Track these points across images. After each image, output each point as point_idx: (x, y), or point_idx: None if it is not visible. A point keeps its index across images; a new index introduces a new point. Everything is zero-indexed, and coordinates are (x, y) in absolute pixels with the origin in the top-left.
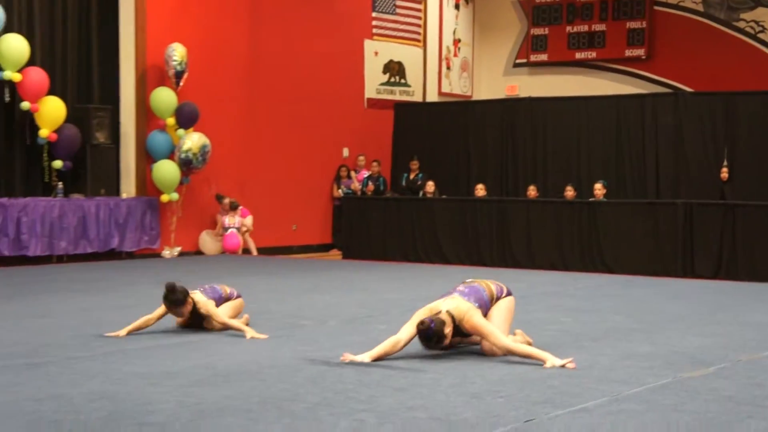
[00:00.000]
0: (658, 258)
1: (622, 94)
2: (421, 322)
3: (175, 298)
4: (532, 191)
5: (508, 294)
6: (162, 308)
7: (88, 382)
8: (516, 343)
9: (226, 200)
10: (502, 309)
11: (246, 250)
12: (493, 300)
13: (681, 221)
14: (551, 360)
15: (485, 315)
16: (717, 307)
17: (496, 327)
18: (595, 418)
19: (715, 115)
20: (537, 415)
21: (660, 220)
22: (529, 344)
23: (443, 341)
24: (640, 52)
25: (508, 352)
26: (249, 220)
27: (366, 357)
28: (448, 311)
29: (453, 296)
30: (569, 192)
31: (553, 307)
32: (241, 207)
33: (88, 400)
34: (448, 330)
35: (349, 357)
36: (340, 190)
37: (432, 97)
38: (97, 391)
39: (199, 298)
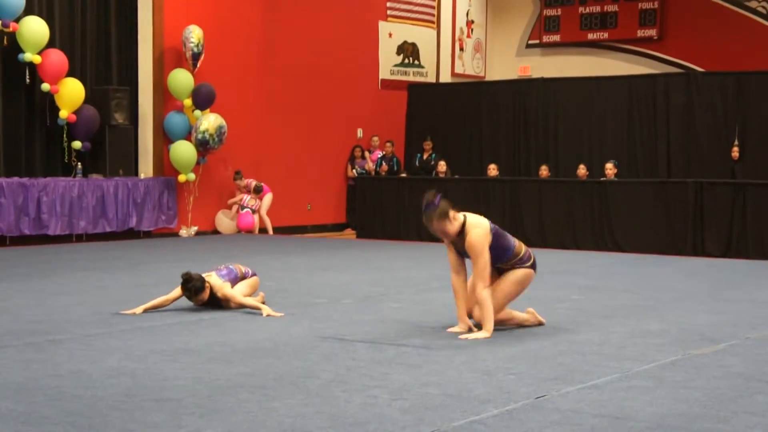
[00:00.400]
0: (669, 236)
1: (633, 74)
2: (428, 194)
3: (192, 286)
4: (544, 171)
5: (532, 266)
6: (178, 290)
7: (106, 358)
8: (487, 295)
9: (252, 183)
10: (513, 280)
11: (263, 230)
12: (515, 257)
13: (692, 200)
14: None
15: (499, 266)
16: (727, 285)
17: (499, 294)
18: (605, 394)
19: (726, 94)
20: (548, 392)
21: (671, 199)
22: (541, 324)
23: (444, 220)
24: (652, 32)
25: (476, 295)
26: (268, 199)
27: (461, 325)
28: (464, 214)
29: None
30: (581, 171)
31: (564, 285)
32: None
33: (106, 376)
34: (451, 213)
35: (456, 329)
36: (354, 171)
37: (445, 78)
38: (115, 367)
39: (215, 281)
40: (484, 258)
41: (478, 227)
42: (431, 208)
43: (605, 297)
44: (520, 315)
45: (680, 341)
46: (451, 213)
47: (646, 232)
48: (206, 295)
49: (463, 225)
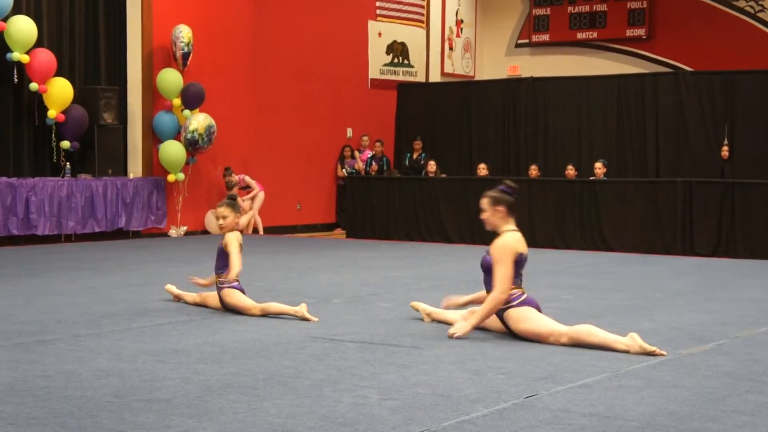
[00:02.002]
0: (658, 236)
1: (622, 73)
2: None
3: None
4: (533, 170)
5: (522, 303)
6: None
7: (96, 359)
8: (492, 298)
9: (244, 178)
10: (518, 319)
11: (256, 230)
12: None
13: (680, 199)
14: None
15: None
16: (716, 284)
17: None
18: (595, 393)
19: (714, 94)
20: (538, 391)
21: (660, 199)
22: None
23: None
24: (640, 31)
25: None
26: (260, 198)
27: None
28: (514, 228)
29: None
30: (570, 171)
31: (553, 284)
32: (252, 181)
33: (96, 376)
34: (502, 207)
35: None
36: (344, 170)
37: (435, 77)
38: (104, 367)
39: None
40: (504, 266)
41: (512, 240)
42: (502, 190)
43: (595, 296)
44: (608, 337)
45: (669, 340)
46: (502, 207)
47: (635, 231)
48: (233, 215)
49: (503, 232)
